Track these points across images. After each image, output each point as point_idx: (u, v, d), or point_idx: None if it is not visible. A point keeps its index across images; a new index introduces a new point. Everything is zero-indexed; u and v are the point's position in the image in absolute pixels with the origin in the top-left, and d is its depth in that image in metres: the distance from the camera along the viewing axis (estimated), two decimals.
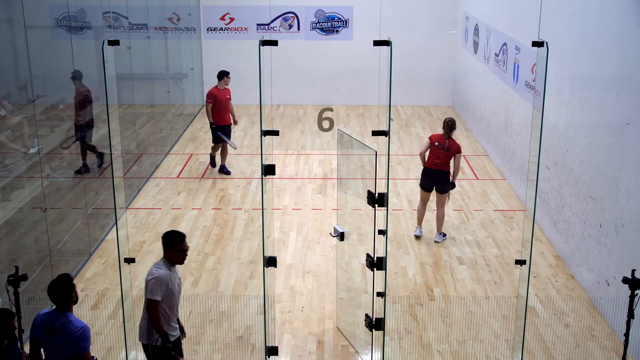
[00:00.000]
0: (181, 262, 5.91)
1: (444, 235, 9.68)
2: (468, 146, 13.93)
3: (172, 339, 5.85)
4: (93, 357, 5.59)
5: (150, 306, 5.72)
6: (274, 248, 8.74)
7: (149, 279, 5.75)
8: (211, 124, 12.00)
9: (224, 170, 12.26)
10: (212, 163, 12.48)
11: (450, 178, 9.46)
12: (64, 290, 5.21)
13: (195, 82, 16.71)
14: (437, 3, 16.71)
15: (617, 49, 7.70)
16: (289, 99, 16.88)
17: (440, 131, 9.55)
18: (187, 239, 9.64)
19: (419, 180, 9.71)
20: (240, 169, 12.52)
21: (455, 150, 9.34)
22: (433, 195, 9.65)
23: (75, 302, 5.30)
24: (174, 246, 5.81)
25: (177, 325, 6.02)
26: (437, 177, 9.45)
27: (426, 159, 9.50)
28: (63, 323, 5.15)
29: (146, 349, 5.88)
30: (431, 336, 7.41)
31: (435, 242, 9.58)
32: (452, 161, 9.37)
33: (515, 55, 11.50)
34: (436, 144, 9.39)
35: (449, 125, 9.38)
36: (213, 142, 12.27)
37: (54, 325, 5.16)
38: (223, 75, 11.89)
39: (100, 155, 11.24)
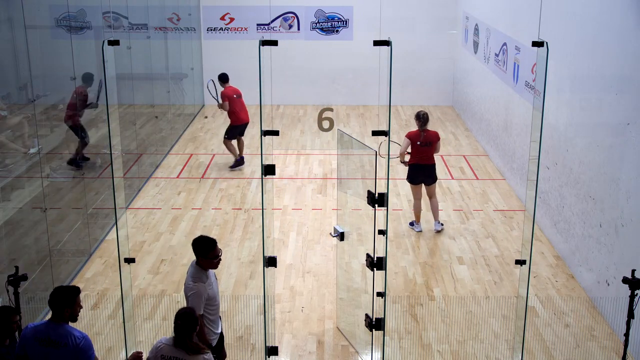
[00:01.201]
0: (215, 268, 5.83)
1: (442, 224, 9.89)
2: (468, 146, 13.94)
3: (215, 342, 5.88)
4: None
5: None
6: (274, 248, 8.74)
7: (189, 294, 5.65)
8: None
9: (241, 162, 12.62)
10: (241, 160, 12.60)
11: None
12: (65, 301, 4.99)
13: (195, 82, 16.70)
14: (437, 3, 16.71)
15: (617, 49, 7.70)
16: (289, 99, 16.88)
17: (427, 127, 9.70)
18: (186, 239, 9.68)
19: (407, 176, 9.89)
20: (241, 169, 12.52)
21: (435, 140, 9.64)
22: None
23: (73, 318, 5.07)
24: (208, 254, 5.70)
25: (221, 325, 6.03)
26: (426, 172, 9.70)
27: (407, 157, 9.76)
28: (62, 334, 4.93)
29: None
30: (431, 336, 7.41)
31: (435, 230, 9.79)
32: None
33: (515, 55, 11.50)
34: (418, 143, 9.61)
35: (424, 119, 9.61)
36: (231, 138, 12.51)
37: (51, 337, 4.93)
38: (228, 77, 12.49)
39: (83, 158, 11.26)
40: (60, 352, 4.90)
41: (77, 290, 5.08)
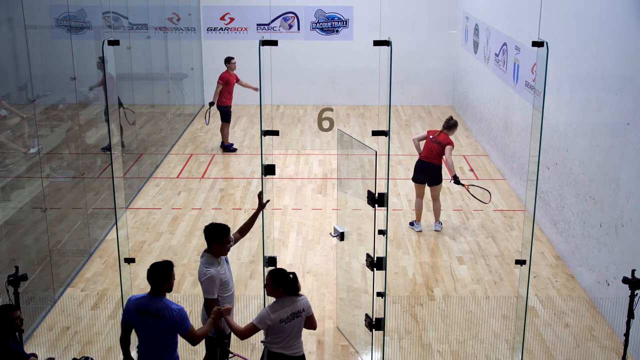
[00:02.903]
0: (225, 254, 6.04)
1: (441, 224, 9.98)
2: (468, 146, 13.93)
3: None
4: (88, 357, 5.65)
5: (208, 305, 5.87)
6: (274, 248, 8.74)
7: (203, 279, 5.87)
8: (211, 103, 13.42)
9: (230, 149, 13.46)
10: (228, 146, 13.47)
11: (449, 173, 9.79)
12: (163, 276, 5.38)
13: (195, 82, 16.70)
14: (437, 3, 16.71)
15: (617, 49, 7.70)
16: (289, 99, 16.88)
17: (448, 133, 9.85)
18: (186, 239, 9.68)
19: (412, 175, 9.97)
20: (240, 169, 12.53)
21: (444, 143, 9.63)
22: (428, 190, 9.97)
23: (170, 289, 5.45)
24: (222, 239, 5.92)
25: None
26: (427, 170, 9.71)
27: (421, 148, 9.85)
28: (160, 307, 5.34)
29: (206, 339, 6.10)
30: (431, 336, 7.41)
31: (435, 230, 9.85)
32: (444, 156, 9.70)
33: (515, 55, 11.50)
34: (431, 137, 9.74)
35: (448, 123, 9.72)
36: (223, 120, 13.36)
37: (151, 309, 5.34)
38: (231, 59, 13.20)
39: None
40: (158, 323, 5.33)
41: (171, 264, 5.49)
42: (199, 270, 5.96)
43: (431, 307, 7.99)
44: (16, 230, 8.56)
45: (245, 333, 5.63)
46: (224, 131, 13.45)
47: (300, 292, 5.73)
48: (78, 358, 5.67)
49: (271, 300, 5.74)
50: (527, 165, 6.73)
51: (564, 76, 9.14)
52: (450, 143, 9.63)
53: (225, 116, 13.33)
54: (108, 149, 11.56)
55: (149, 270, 5.41)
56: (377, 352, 6.79)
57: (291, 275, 5.66)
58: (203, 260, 5.95)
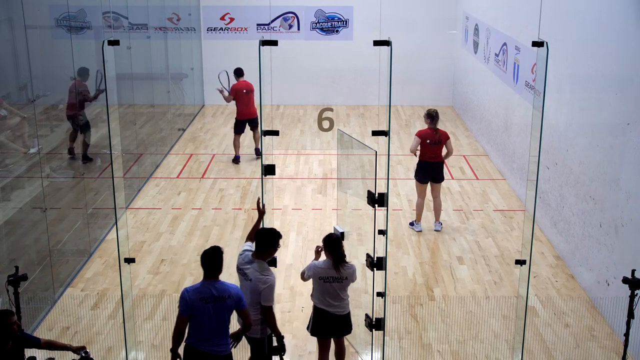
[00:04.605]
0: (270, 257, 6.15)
1: (441, 224, 9.97)
2: (468, 146, 13.94)
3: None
4: (92, 358, 5.64)
5: (267, 312, 5.86)
6: None
7: (264, 287, 5.78)
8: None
9: (259, 152, 12.90)
10: (237, 159, 12.86)
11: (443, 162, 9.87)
12: (219, 260, 5.54)
13: (195, 82, 16.70)
14: (437, 3, 16.71)
15: (617, 49, 7.70)
16: (289, 99, 16.88)
17: (425, 126, 9.82)
18: (186, 239, 9.68)
19: (415, 174, 9.94)
20: (240, 169, 12.53)
21: (445, 139, 9.69)
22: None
23: (220, 272, 5.62)
24: (277, 243, 5.99)
25: None
26: (434, 169, 9.74)
27: (417, 154, 9.80)
28: (223, 289, 5.53)
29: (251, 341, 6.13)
30: (431, 336, 7.41)
31: (435, 230, 9.84)
32: (444, 148, 9.75)
33: (515, 55, 11.50)
34: (427, 141, 9.65)
35: (436, 117, 9.71)
36: (236, 132, 12.80)
37: (215, 293, 5.49)
38: (242, 71, 12.61)
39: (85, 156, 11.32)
40: (225, 304, 5.52)
41: (220, 249, 5.65)
42: (256, 277, 5.81)
43: (431, 307, 7.99)
44: (16, 230, 8.57)
45: (302, 274, 6.41)
46: (237, 144, 12.86)
47: (348, 260, 6.25)
48: (78, 357, 5.67)
49: None
50: (527, 165, 6.73)
51: (564, 76, 9.14)
52: (448, 136, 9.76)
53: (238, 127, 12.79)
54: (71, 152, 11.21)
55: (203, 256, 5.54)
56: (377, 352, 6.79)
57: (333, 237, 6.21)
58: (257, 267, 5.83)
